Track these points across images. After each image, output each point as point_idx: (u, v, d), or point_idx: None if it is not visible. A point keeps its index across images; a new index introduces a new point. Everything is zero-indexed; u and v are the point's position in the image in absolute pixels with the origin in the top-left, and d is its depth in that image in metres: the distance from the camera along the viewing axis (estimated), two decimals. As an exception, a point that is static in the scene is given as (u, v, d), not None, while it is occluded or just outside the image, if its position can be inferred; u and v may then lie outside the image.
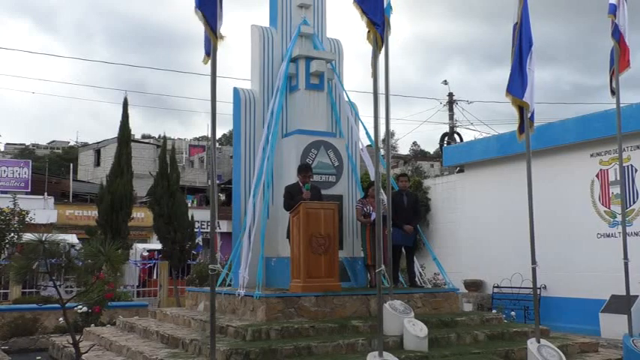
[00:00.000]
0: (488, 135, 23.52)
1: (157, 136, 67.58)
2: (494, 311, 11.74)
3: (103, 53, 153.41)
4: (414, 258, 9.73)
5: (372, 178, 9.47)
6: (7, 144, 66.36)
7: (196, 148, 54.96)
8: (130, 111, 17.79)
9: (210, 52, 6.03)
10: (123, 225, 16.18)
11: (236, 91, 9.95)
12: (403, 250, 9.59)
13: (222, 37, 6.05)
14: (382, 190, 8.38)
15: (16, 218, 14.40)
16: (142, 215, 25.18)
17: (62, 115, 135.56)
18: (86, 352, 6.96)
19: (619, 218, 11.94)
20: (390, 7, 7.46)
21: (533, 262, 6.95)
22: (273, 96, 9.78)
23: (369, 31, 6.76)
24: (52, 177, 37.55)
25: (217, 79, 6.19)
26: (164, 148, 18.73)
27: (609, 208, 12.88)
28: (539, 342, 6.79)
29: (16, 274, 6.90)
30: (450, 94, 28.73)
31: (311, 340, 6.80)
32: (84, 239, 17.87)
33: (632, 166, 12.49)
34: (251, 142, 9.75)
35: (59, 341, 9.46)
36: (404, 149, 75.78)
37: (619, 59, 8.23)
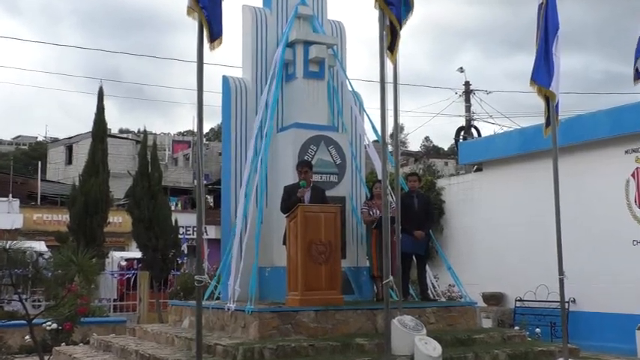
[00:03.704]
0: (510, 129, 23.53)
1: (136, 131, 67.60)
2: (516, 328, 11.75)
3: (73, 37, 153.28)
4: (426, 268, 9.73)
5: (379, 177, 9.48)
6: (-33, 139, 66.45)
7: (181, 144, 54.93)
8: (106, 102, 17.87)
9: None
10: (98, 231, 16.22)
11: (225, 79, 9.96)
12: (414, 258, 9.60)
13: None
14: (390, 191, 8.38)
15: (-23, 223, 14.42)
16: (119, 220, 25.17)
17: (28, 107, 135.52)
18: (56, 375, 6.97)
19: (657, 223, 11.94)
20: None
21: (561, 272, 6.96)
22: (267, 85, 9.78)
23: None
24: (18, 176, 37.53)
25: (204, 66, 6.21)
26: (144, 143, 18.75)
27: (646, 212, 12.89)
28: (567, 362, 6.80)
29: (-23, 287, 6.91)
30: (467, 83, 28.70)
31: (310, 360, 6.80)
32: (54, 247, 17.87)
33: (672, 163, 12.50)
34: (242, 138, 9.75)
35: (26, 362, 9.46)
36: (414, 145, 75.87)
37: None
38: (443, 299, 10.21)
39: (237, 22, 10.39)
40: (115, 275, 19.92)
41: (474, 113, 28.62)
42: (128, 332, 10.44)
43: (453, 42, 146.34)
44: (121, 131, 69.95)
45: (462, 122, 28.98)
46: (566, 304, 10.46)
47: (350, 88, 10.54)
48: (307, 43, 9.87)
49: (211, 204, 34.46)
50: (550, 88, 7.12)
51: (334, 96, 10.38)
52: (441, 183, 18.42)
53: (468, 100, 28.56)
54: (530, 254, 14.29)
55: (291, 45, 9.92)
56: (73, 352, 9.50)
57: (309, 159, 9.22)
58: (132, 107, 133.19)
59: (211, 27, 6.09)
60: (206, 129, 67.54)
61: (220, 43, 6.25)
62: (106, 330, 11.94)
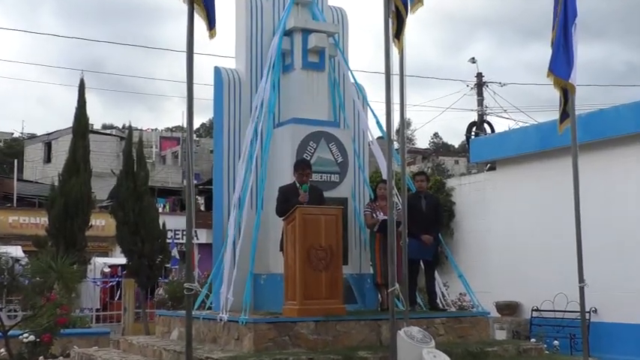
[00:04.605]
0: (526, 124, 23.52)
1: (120, 126, 67.62)
2: (532, 340, 11.76)
3: (52, 25, 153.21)
4: (435, 275, 9.75)
5: (384, 177, 9.49)
6: (-64, 136, 66.32)
7: (169, 141, 54.95)
8: (88, 95, 17.83)
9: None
10: (79, 235, 16.21)
11: (217, 71, 9.96)
12: (421, 265, 9.61)
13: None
14: (396, 192, 8.39)
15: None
16: (102, 223, 25.13)
17: (3, 100, 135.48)
18: (34, 390, 6.98)
19: (685, 226, 11.96)
20: None
21: (581, 280, 6.97)
22: (262, 77, 9.78)
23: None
24: (-8, 176, 37.53)
25: (195, 56, 6.21)
26: (129, 140, 18.75)
27: (674, 214, 12.90)
28: (587, 377, 6.81)
29: (-51, 295, 6.93)
30: (479, 75, 28.70)
31: (309, 375, 6.82)
32: (31, 252, 17.88)
33: (701, 162, 12.51)
34: (236, 134, 9.76)
35: (1, 377, 9.47)
36: (422, 142, 75.95)
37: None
38: (453, 309, 10.22)
39: (230, 9, 10.40)
40: (98, 283, 19.92)
41: (486, 107, 28.62)
42: (112, 344, 10.48)
43: (464, 30, 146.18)
44: (105, 127, 69.88)
45: (474, 117, 28.99)
46: (587, 315, 10.47)
47: (352, 80, 10.55)
48: (306, 32, 9.87)
49: (202, 206, 34.47)
50: (570, 80, 7.14)
51: (335, 89, 10.39)
52: (451, 183, 18.43)
53: (480, 94, 28.55)
54: (547, 260, 14.29)
55: (288, 33, 9.92)
56: (53, 366, 9.50)
57: (308, 157, 9.22)
58: (116, 101, 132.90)
59: (209, 15, 6.13)
60: (196, 124, 67.67)
61: (215, 34, 6.30)
62: (88, 342, 11.94)
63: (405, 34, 7.08)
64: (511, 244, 15.68)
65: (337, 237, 8.12)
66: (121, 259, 19.74)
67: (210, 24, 6.22)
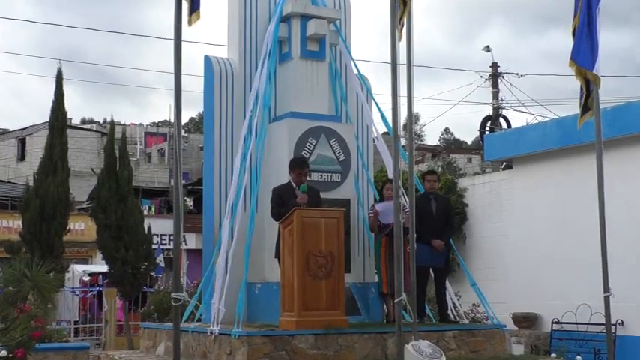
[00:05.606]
0: (545, 119, 23.54)
1: (101, 121, 67.73)
2: (553, 355, 11.76)
3: (26, 10, 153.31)
4: (446, 283, 9.76)
5: (390, 177, 9.49)
6: None
7: (155, 137, 55.02)
8: (66, 87, 17.81)
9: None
10: (56, 240, 16.18)
11: (208, 60, 9.97)
12: (431, 272, 9.62)
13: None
14: (403, 193, 8.39)
15: None
16: (81, 227, 25.22)
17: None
18: (7, 410, 6.97)
19: None
20: None
21: (606, 289, 6.96)
22: (257, 67, 9.79)
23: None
24: (-39, 176, 37.55)
25: (183, 44, 6.21)
26: (111, 136, 18.74)
27: None
28: (613, 396, 6.81)
29: None
30: (494, 65, 28.72)
31: (308, 393, 6.82)
32: (3, 259, 17.88)
33: None
34: (228, 129, 9.77)
35: (-29, 395, 9.45)
36: (432, 138, 76.01)
37: None
38: (465, 321, 10.23)
39: (222, -8, 10.40)
40: (77, 292, 19.92)
41: (502, 100, 28.62)
42: (92, 360, 10.47)
43: (477, 16, 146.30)
44: (84, 122, 70.04)
45: (489, 111, 29.01)
46: (613, 327, 10.47)
47: (356, 71, 10.55)
48: (305, 17, 9.87)
49: (191, 208, 34.50)
50: (594, 70, 7.15)
51: (337, 80, 10.39)
52: (463, 183, 18.42)
53: (495, 85, 28.56)
54: (569, 268, 14.29)
55: (285, 19, 9.93)
56: (27, 383, 9.48)
57: (308, 155, 9.23)
58: (97, 93, 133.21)
59: None
60: (185, 119, 67.69)
61: (198, 17, 6.24)
62: (65, 357, 11.94)
63: (410, 19, 7.08)
64: (529, 250, 15.67)
65: (339, 242, 8.12)
66: (102, 267, 19.70)
67: (193, 7, 6.14)
